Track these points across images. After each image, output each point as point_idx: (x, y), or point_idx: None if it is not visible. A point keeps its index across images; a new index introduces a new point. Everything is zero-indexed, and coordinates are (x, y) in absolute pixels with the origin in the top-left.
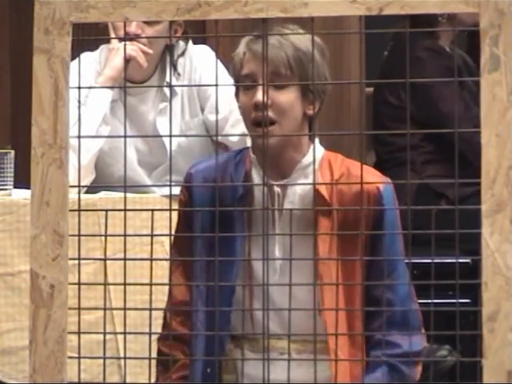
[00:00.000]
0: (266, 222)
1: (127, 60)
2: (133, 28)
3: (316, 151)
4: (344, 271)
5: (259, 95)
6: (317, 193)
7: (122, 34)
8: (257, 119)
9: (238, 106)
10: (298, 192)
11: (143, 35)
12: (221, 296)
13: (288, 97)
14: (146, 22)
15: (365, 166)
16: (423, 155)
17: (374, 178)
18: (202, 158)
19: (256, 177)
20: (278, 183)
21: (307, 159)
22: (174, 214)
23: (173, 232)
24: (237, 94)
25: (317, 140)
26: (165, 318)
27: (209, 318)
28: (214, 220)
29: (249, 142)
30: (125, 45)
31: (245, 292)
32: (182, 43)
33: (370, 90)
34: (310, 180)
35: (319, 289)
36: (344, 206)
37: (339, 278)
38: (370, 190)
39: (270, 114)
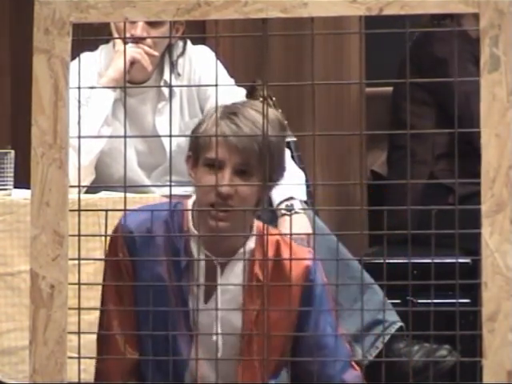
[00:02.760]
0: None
1: (131, 62)
2: (138, 30)
3: (254, 232)
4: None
5: (226, 187)
6: (252, 275)
7: (127, 35)
8: (216, 205)
9: (190, 173)
10: (236, 273)
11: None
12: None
13: (251, 187)
14: (150, 25)
15: (293, 246)
16: (438, 148)
17: (302, 255)
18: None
19: (195, 252)
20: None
21: (249, 244)
22: None
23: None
24: (190, 160)
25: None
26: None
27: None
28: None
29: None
30: (125, 47)
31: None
32: (180, 43)
33: (370, 89)
34: (253, 263)
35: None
36: (276, 285)
37: (256, 351)
38: (299, 269)
39: (231, 202)
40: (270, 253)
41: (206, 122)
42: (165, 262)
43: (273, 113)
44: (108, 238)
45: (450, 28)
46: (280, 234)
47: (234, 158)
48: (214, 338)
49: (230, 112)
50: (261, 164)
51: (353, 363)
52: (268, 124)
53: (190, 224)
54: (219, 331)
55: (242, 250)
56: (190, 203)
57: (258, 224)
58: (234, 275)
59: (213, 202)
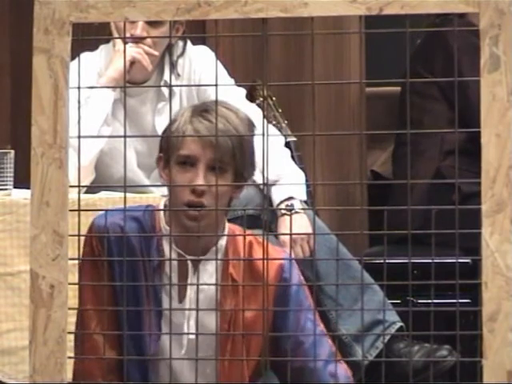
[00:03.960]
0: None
1: (131, 62)
2: (138, 30)
3: (225, 231)
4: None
5: (200, 181)
6: (227, 274)
7: (127, 35)
8: (192, 203)
9: (161, 175)
10: (209, 271)
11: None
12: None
13: (224, 182)
14: (150, 24)
15: (267, 246)
16: (446, 144)
17: (275, 255)
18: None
19: (167, 250)
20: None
21: (223, 240)
22: None
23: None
24: (161, 161)
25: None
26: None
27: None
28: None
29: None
30: (125, 47)
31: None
32: (180, 43)
33: (370, 89)
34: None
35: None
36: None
37: (230, 351)
38: (272, 269)
39: (204, 200)
40: (243, 253)
41: (178, 120)
42: (139, 261)
43: (242, 112)
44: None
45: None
46: (251, 235)
47: (207, 153)
48: (191, 336)
49: (202, 109)
50: (234, 160)
51: (338, 357)
52: (240, 122)
53: (162, 223)
54: (193, 330)
55: (214, 249)
56: (161, 203)
57: (229, 224)
58: (207, 274)
59: (188, 200)
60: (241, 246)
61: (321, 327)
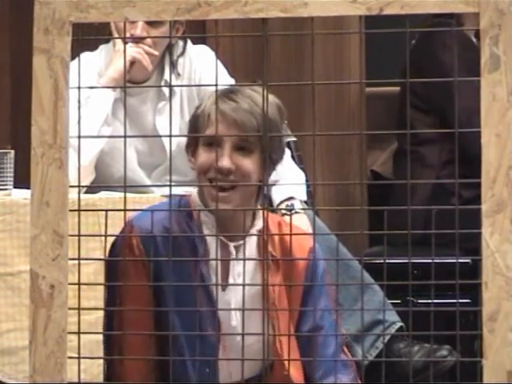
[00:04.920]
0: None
1: (131, 62)
2: (138, 30)
3: (263, 217)
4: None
5: (225, 161)
6: (266, 252)
7: (127, 35)
8: (217, 179)
9: (190, 160)
10: (251, 254)
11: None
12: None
13: (252, 163)
14: (150, 24)
15: (296, 227)
16: (445, 154)
17: (304, 238)
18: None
19: (210, 239)
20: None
21: (258, 224)
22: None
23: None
24: (190, 147)
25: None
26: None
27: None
28: (179, 278)
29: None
30: (125, 47)
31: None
32: (181, 43)
33: (370, 89)
34: (262, 242)
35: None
36: (288, 262)
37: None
38: (304, 251)
39: (232, 178)
40: (275, 232)
41: (204, 103)
42: (191, 260)
43: (272, 97)
44: (114, 239)
45: (450, 28)
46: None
47: (232, 133)
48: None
49: (228, 91)
50: (259, 141)
51: (345, 351)
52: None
53: (201, 213)
54: (238, 315)
55: (253, 230)
56: (194, 195)
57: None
58: (249, 257)
59: (212, 178)
60: (271, 227)
61: (334, 317)
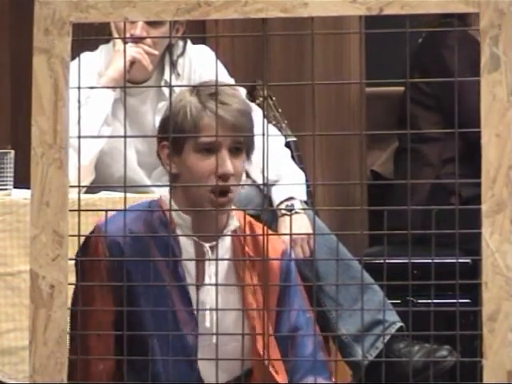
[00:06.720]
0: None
1: (131, 62)
2: (138, 30)
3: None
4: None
5: (229, 166)
6: (243, 252)
7: (127, 35)
8: (221, 189)
9: (166, 163)
10: (226, 254)
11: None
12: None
13: (242, 162)
14: (150, 24)
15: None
16: (447, 152)
17: (277, 241)
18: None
19: (184, 240)
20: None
21: (233, 223)
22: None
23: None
24: (177, 152)
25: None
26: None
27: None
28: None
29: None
30: (125, 47)
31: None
32: (181, 43)
33: (370, 89)
34: (236, 242)
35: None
36: (262, 263)
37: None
38: (278, 253)
39: (231, 181)
40: (248, 231)
41: (184, 106)
42: (159, 258)
43: (238, 87)
44: (82, 242)
45: (454, 28)
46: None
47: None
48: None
49: (210, 93)
50: (247, 140)
51: (323, 346)
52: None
53: (173, 214)
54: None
55: (226, 230)
56: (166, 198)
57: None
58: (224, 256)
59: (215, 187)
60: (244, 226)
61: (310, 314)
